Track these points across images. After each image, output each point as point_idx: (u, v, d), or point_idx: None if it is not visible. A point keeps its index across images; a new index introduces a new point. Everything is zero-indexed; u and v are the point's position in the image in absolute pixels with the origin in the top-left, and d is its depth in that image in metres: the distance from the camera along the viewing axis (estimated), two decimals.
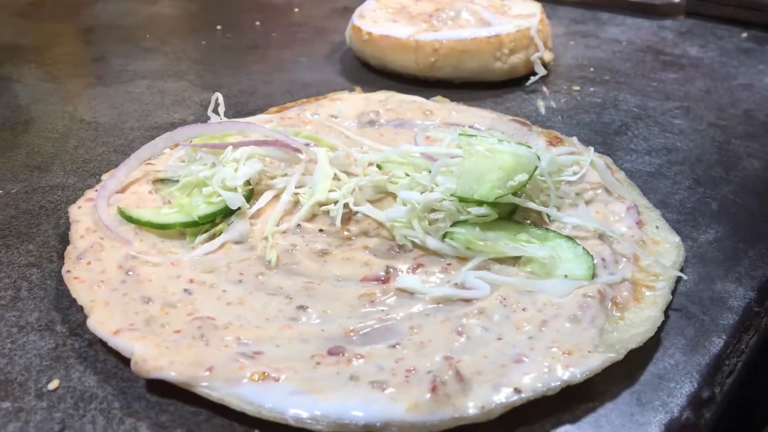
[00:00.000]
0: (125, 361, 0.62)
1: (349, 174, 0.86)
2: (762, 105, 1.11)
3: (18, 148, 1.00)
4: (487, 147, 0.78)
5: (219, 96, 0.90)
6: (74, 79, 1.23)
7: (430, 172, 0.79)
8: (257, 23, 1.50)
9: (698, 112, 1.09)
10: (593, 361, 0.61)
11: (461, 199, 0.75)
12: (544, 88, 1.17)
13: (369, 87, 1.14)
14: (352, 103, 1.04)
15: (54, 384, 0.62)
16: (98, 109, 1.11)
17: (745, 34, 1.38)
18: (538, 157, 0.77)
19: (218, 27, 1.47)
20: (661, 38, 1.38)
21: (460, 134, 0.82)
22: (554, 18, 1.47)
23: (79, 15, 1.56)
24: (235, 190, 0.79)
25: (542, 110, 1.10)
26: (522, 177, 0.75)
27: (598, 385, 0.61)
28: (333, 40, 1.38)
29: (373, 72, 1.24)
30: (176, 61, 1.30)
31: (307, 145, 0.86)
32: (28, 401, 0.60)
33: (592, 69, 1.24)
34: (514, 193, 0.76)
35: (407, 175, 0.81)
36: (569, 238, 0.74)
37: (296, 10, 1.58)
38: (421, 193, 0.77)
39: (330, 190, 0.81)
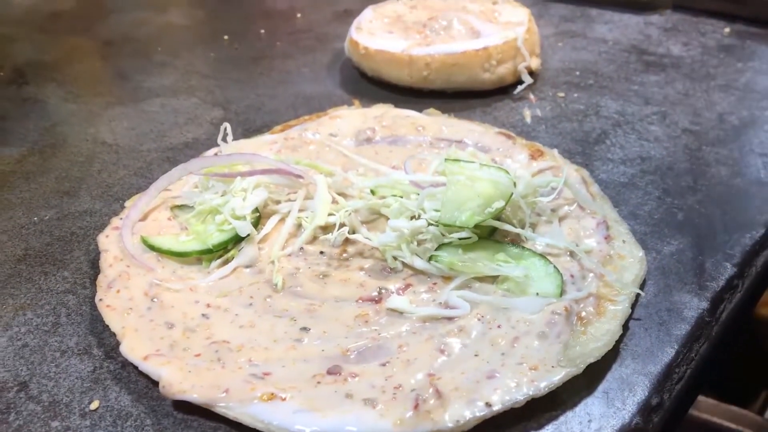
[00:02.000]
0: (154, 381, 0.73)
1: (346, 196, 0.95)
2: (735, 107, 1.18)
3: (48, 173, 1.10)
4: (468, 175, 0.86)
5: (227, 126, 0.99)
6: (94, 98, 1.32)
7: (418, 195, 0.88)
8: (262, 31, 1.58)
9: (674, 117, 1.16)
10: (556, 376, 0.70)
11: (445, 225, 0.84)
12: (531, 96, 1.24)
13: (366, 99, 1.23)
14: (350, 120, 1.13)
15: (95, 404, 0.73)
16: (117, 131, 1.21)
17: (727, 29, 1.44)
18: (515, 183, 0.86)
19: (225, 37, 1.56)
20: (646, 36, 1.44)
21: (445, 160, 0.91)
22: (545, 16, 1.54)
23: (95, 27, 1.65)
24: (244, 218, 0.89)
25: (528, 119, 1.18)
26: (499, 204, 0.83)
27: (561, 395, 0.70)
28: (334, 47, 1.46)
29: (370, 82, 1.32)
30: (187, 76, 1.39)
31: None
32: (73, 420, 0.71)
33: (577, 73, 1.32)
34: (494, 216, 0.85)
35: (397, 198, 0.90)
36: (542, 256, 0.83)
37: (299, 15, 1.66)
38: (410, 218, 0.87)
39: (329, 214, 0.91)
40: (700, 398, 1.48)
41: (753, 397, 1.76)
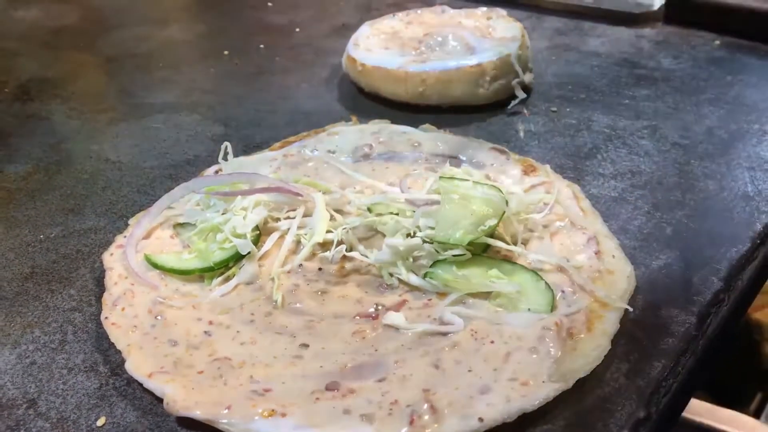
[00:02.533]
0: (159, 398, 0.75)
1: (343, 214, 0.98)
2: (724, 121, 1.20)
3: (53, 191, 1.13)
4: (462, 193, 0.89)
5: (228, 145, 1.02)
6: (97, 115, 1.35)
7: (414, 212, 0.91)
8: (261, 46, 1.61)
9: (664, 132, 1.18)
10: (546, 391, 0.72)
11: (439, 243, 0.86)
12: (525, 110, 1.27)
13: (364, 114, 1.25)
14: (348, 136, 1.15)
15: (101, 421, 0.75)
16: (120, 148, 1.24)
17: (717, 42, 1.47)
18: (507, 201, 0.89)
19: (225, 52, 1.58)
20: (638, 49, 1.47)
21: (440, 178, 0.93)
22: (539, 29, 1.57)
23: (98, 43, 1.68)
24: (244, 236, 0.92)
25: (521, 134, 1.21)
26: (492, 222, 0.86)
27: (552, 409, 0.73)
28: (332, 62, 1.49)
29: (367, 98, 1.34)
30: (188, 92, 1.42)
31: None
32: None
33: (570, 87, 1.34)
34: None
35: (394, 214, 0.93)
36: (534, 272, 0.86)
37: (297, 29, 1.68)
38: (406, 235, 0.89)
39: (327, 231, 0.93)
40: (694, 401, 1.50)
41: (747, 399, 1.79)
